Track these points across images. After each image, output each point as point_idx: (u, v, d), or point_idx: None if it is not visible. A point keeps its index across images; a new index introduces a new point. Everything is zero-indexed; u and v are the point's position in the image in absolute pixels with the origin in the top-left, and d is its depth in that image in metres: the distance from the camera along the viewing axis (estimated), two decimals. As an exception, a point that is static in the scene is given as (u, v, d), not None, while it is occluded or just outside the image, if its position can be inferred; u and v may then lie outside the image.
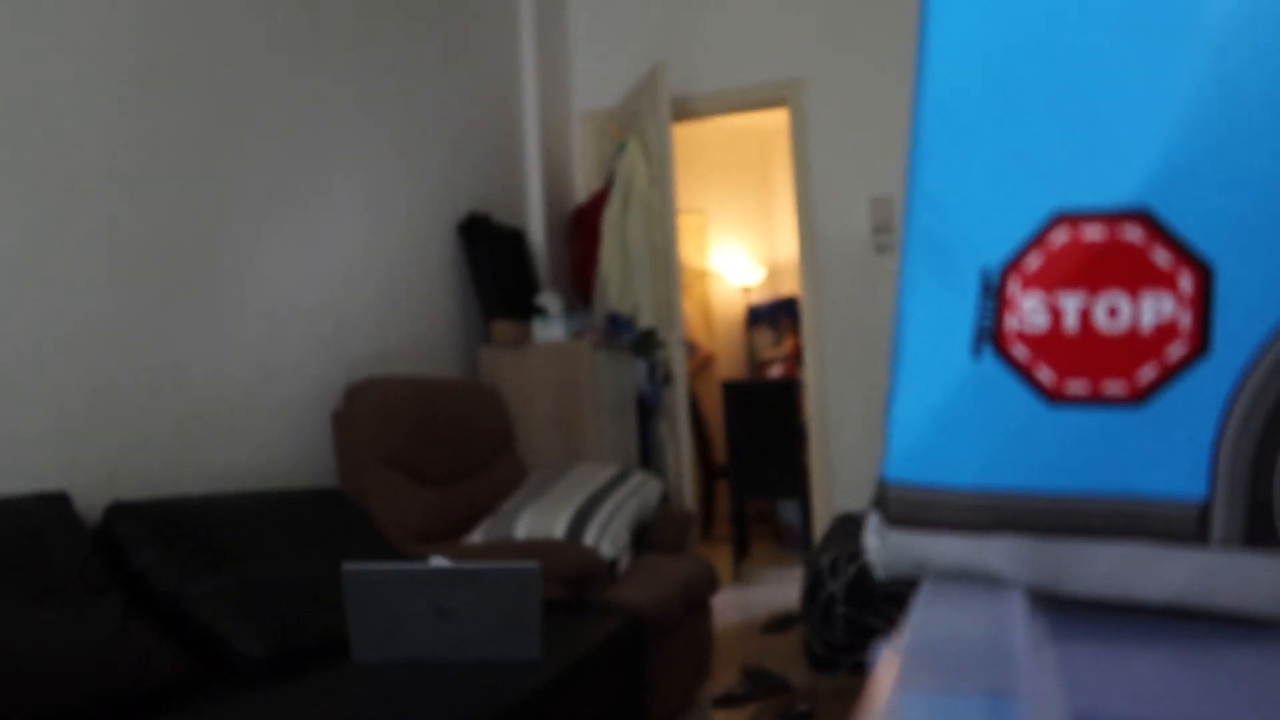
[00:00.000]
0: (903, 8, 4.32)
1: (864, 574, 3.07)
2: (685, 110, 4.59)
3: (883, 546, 0.35)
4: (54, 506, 1.94)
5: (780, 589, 4.63)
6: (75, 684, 1.65)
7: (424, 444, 3.06)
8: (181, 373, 2.48)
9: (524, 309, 3.87)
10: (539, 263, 4.33)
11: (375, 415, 2.93)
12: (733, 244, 6.98)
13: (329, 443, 2.99)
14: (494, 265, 3.82)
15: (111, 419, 2.27)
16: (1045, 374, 0.31)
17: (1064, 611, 0.33)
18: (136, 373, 2.35)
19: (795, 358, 6.37)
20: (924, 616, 0.30)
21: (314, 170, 3.04)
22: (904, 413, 0.34)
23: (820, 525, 4.42)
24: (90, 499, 2.17)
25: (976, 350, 0.33)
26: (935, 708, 0.23)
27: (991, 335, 0.32)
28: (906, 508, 0.34)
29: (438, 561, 2.08)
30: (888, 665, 0.26)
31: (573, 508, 2.94)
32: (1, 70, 2.08)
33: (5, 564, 1.72)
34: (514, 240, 4.06)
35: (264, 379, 2.76)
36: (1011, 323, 0.32)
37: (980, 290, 0.33)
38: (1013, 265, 0.32)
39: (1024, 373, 0.32)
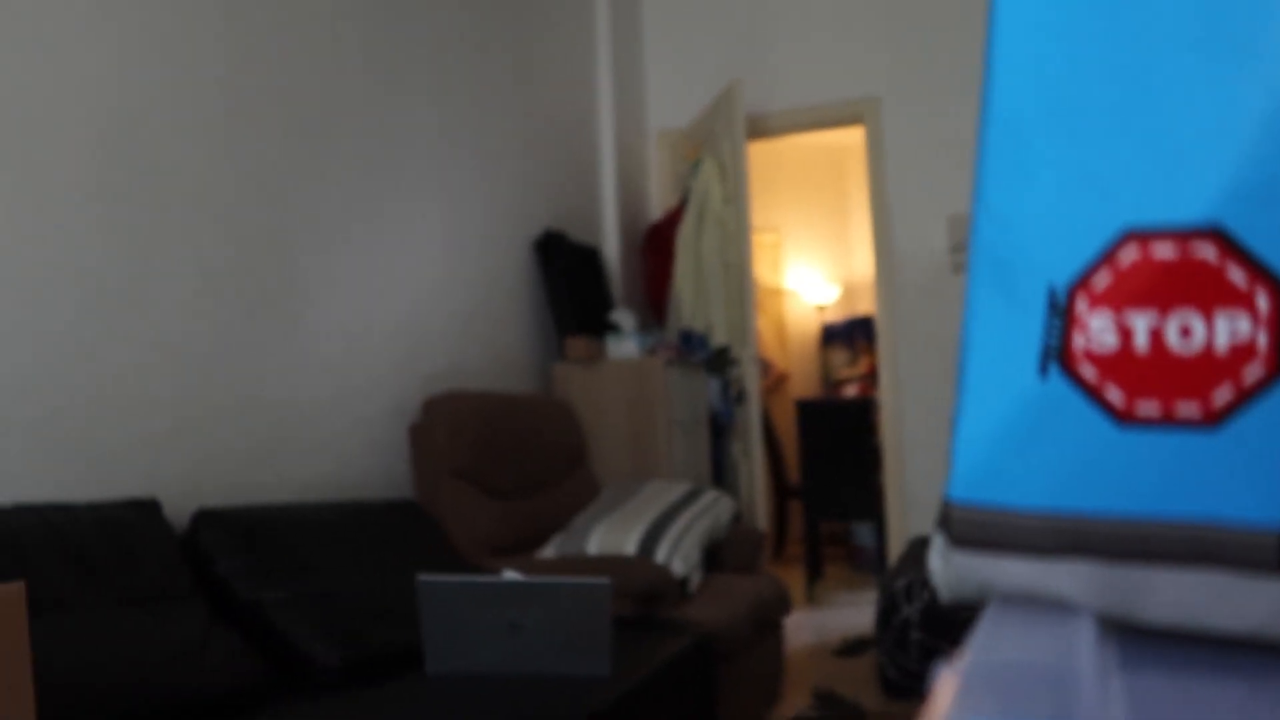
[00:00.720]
0: (978, 25, 4.26)
1: (938, 599, 3.00)
2: (760, 128, 4.58)
3: (947, 568, 0.35)
4: (145, 512, 2.01)
5: (854, 612, 4.55)
6: (158, 688, 1.71)
7: (497, 458, 3.09)
8: (264, 387, 2.56)
9: (598, 325, 3.90)
10: (613, 280, 4.36)
11: (449, 429, 2.98)
12: (807, 262, 6.93)
13: (406, 455, 3.05)
14: (568, 282, 3.86)
15: (199, 430, 2.35)
16: (1115, 394, 0.30)
17: (1135, 639, 0.32)
18: (222, 387, 2.43)
19: (870, 377, 6.28)
20: (987, 639, 0.30)
21: (392, 191, 3.11)
22: (969, 432, 0.34)
23: (895, 548, 4.34)
24: (178, 506, 2.24)
25: (1043, 369, 0.32)
26: (993, 733, 0.23)
27: (1058, 354, 0.32)
28: (972, 529, 0.33)
29: (510, 575, 2.10)
30: (945, 688, 0.25)
31: (644, 524, 2.94)
32: (101, 102, 2.18)
33: (98, 567, 1.80)
34: (588, 257, 4.09)
35: (343, 394, 2.83)
36: (1079, 342, 0.31)
37: (1047, 308, 0.32)
38: (1080, 283, 0.31)
39: (1093, 393, 0.31)
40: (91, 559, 1.79)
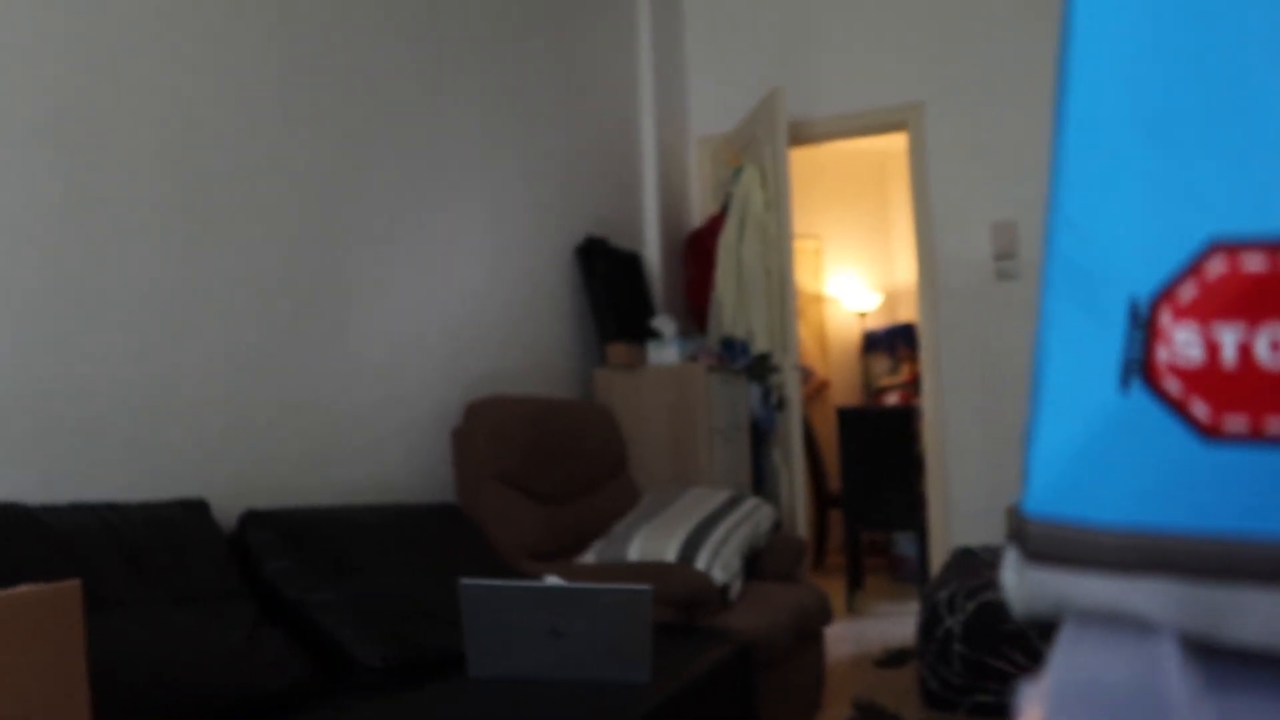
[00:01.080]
0: (1023, 29, 4.21)
1: (984, 611, 2.96)
2: (802, 134, 4.56)
3: (1021, 583, 0.34)
4: (194, 512, 2.04)
5: (895, 623, 4.51)
6: (207, 686, 1.73)
7: (538, 463, 3.10)
8: (310, 391, 2.59)
9: (639, 332, 3.90)
10: (654, 286, 4.36)
11: (491, 433, 2.99)
12: (849, 269, 6.89)
13: (449, 459, 3.07)
14: (610, 288, 3.86)
15: (246, 432, 2.39)
16: (1200, 409, 0.30)
17: (1221, 661, 0.31)
18: (270, 391, 2.46)
19: (912, 385, 6.22)
20: (1068, 659, 0.29)
21: (437, 198, 3.14)
22: (1046, 446, 0.33)
23: (937, 558, 4.29)
24: (226, 507, 2.28)
25: (1124, 383, 0.31)
26: (1084, 755, 0.22)
27: (1141, 368, 0.31)
28: (1048, 544, 0.33)
29: (552, 580, 2.11)
30: (1032, 707, 0.25)
31: (685, 531, 2.93)
32: (157, 112, 2.23)
33: (150, 566, 1.83)
34: (630, 263, 4.10)
35: (387, 398, 2.86)
36: (1163, 355, 0.30)
37: (1128, 321, 0.31)
38: (1164, 295, 0.31)
39: (1177, 408, 0.30)
40: (144, 558, 1.82)
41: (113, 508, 1.89)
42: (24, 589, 1.14)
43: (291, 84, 2.60)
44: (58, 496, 1.91)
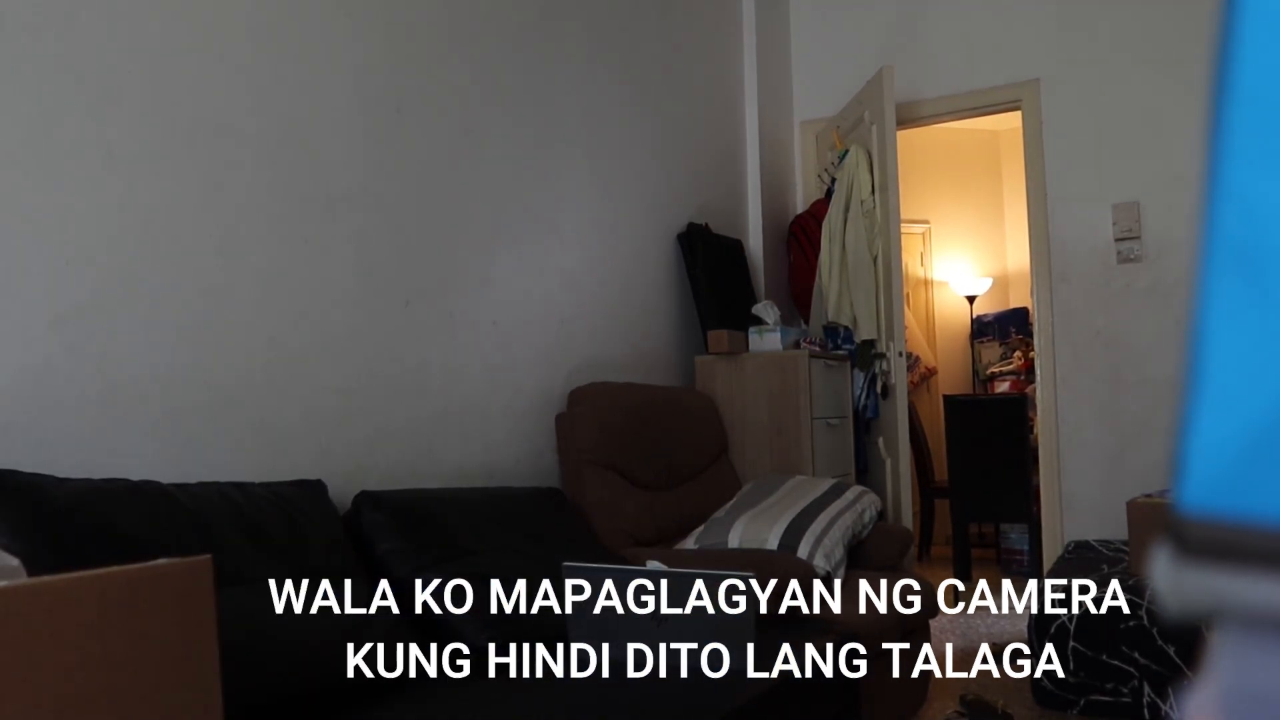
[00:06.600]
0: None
1: (1101, 607, 2.85)
2: (911, 115, 4.44)
3: (1177, 582, 0.32)
4: (311, 492, 2.12)
5: (1003, 617, 4.38)
6: (324, 663, 1.79)
7: (639, 449, 3.12)
8: (419, 376, 2.65)
9: (741, 319, 3.87)
10: (756, 272, 4.32)
11: (593, 419, 3.02)
12: (957, 252, 6.70)
13: (553, 445, 3.11)
14: (711, 275, 3.84)
15: (359, 415, 2.46)
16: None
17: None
18: (382, 377, 2.53)
19: (1025, 373, 6.02)
20: (1239, 666, 0.27)
21: (542, 187, 3.17)
22: (1210, 435, 0.31)
23: (1049, 552, 4.15)
24: (340, 489, 2.35)
25: (1300, 369, 0.29)
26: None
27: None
28: (1211, 541, 0.31)
29: (654, 565, 2.11)
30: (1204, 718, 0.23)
31: (787, 519, 2.90)
32: (275, 110, 2.31)
33: (272, 543, 1.90)
34: (732, 250, 4.07)
35: (493, 384, 2.91)
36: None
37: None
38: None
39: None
40: (266, 535, 1.90)
41: (238, 486, 1.97)
42: (159, 563, 1.19)
43: (401, 81, 2.66)
44: (188, 475, 2.01)
